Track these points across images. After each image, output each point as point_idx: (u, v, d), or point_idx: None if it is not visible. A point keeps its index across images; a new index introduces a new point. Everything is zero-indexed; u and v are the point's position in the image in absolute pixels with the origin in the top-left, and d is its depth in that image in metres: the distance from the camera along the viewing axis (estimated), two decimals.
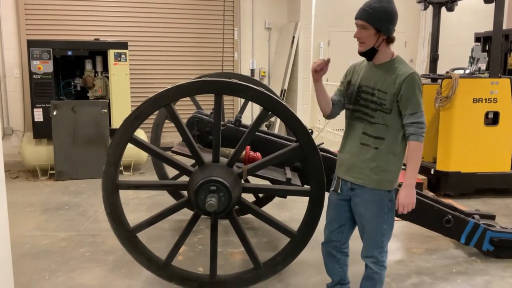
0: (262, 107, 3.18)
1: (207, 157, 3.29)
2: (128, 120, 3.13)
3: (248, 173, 3.25)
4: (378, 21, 2.64)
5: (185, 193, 5.00)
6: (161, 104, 3.16)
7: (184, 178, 4.98)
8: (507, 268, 3.89)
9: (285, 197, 3.70)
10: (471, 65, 6.23)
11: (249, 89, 3.13)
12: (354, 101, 2.81)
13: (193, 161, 4.10)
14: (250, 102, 5.75)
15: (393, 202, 2.81)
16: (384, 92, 2.67)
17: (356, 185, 2.80)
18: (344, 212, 2.93)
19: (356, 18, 2.71)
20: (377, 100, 2.69)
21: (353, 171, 2.79)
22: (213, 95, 3.13)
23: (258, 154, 3.61)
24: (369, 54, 2.73)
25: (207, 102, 6.36)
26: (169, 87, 3.15)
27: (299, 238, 3.30)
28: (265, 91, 3.20)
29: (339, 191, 2.89)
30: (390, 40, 2.72)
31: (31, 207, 5.42)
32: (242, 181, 3.32)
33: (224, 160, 3.28)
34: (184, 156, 3.70)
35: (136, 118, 3.13)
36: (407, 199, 2.71)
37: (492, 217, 4.36)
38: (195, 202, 3.14)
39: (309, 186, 3.22)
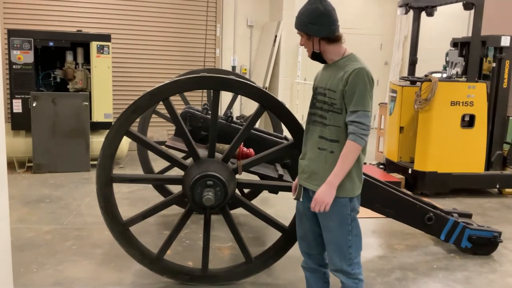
0: (258, 104, 3.23)
1: (201, 152, 3.32)
2: (125, 113, 3.13)
3: (243, 168, 3.31)
4: (303, 26, 2.57)
5: (171, 187, 5.06)
6: (158, 98, 3.17)
7: (171, 172, 5.04)
8: (484, 265, 4.08)
9: (276, 192, 3.76)
10: (447, 69, 6.45)
11: (246, 86, 3.18)
12: (311, 105, 2.71)
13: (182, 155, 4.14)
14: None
15: (356, 211, 2.64)
16: (333, 91, 2.55)
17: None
18: (316, 221, 2.73)
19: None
20: (328, 100, 2.58)
21: (313, 178, 2.63)
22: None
23: (251, 150, 3.66)
24: (315, 58, 2.67)
25: (192, 97, 6.36)
26: (167, 81, 3.17)
27: (291, 233, 3.38)
28: (262, 88, 3.27)
29: (301, 199, 2.75)
30: (331, 39, 2.58)
31: (11, 199, 5.22)
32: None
33: (219, 156, 3.33)
34: (177, 150, 3.71)
35: (133, 112, 3.14)
36: (322, 196, 2.50)
37: (469, 216, 4.54)
38: (191, 197, 3.18)
39: None
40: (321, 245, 2.81)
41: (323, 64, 2.74)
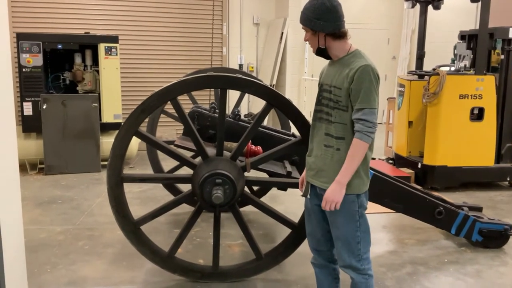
0: (266, 102, 3.25)
1: (209, 150, 3.35)
2: (134, 114, 3.16)
3: (251, 166, 3.33)
4: (309, 21, 2.54)
5: (181, 186, 5.10)
6: (166, 98, 3.20)
7: (180, 171, 5.08)
8: (495, 258, 4.06)
9: (285, 189, 3.79)
10: (455, 62, 6.42)
11: (253, 84, 3.20)
12: (317, 101, 2.70)
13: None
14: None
15: (364, 208, 2.64)
16: (339, 88, 2.54)
17: (323, 190, 2.61)
18: (324, 217, 2.74)
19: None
20: (334, 98, 2.56)
21: (320, 175, 2.64)
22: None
23: (259, 148, 3.68)
24: (320, 54, 2.65)
25: (199, 96, 6.39)
26: (175, 81, 3.19)
27: (300, 230, 3.39)
28: (269, 86, 3.29)
29: (308, 196, 2.76)
30: (336, 35, 2.56)
31: (23, 201, 5.28)
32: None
33: (227, 154, 3.35)
34: (186, 149, 3.74)
35: (142, 112, 3.17)
36: (332, 195, 2.52)
37: (480, 209, 4.53)
38: (200, 195, 3.20)
39: None
40: (330, 241, 2.81)
41: (328, 60, 2.73)
